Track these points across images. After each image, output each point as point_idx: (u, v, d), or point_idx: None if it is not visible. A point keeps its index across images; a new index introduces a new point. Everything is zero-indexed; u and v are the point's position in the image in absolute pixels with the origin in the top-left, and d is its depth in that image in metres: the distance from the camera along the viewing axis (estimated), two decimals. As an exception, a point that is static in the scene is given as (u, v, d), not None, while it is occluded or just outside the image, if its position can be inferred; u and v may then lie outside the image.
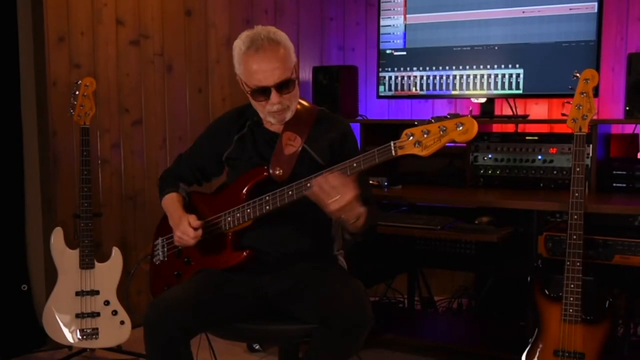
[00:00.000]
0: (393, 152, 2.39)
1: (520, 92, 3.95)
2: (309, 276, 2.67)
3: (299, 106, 2.77)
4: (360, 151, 2.61)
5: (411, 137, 2.37)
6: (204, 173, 2.99)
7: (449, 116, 2.36)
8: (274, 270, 2.72)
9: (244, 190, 2.70)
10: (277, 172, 2.70)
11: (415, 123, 2.39)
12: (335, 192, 2.40)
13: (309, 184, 2.50)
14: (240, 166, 2.80)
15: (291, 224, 2.69)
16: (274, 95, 2.61)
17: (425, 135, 2.36)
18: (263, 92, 2.62)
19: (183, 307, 2.53)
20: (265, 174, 2.70)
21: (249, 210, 2.66)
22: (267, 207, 2.61)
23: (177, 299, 2.56)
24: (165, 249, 2.90)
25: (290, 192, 2.55)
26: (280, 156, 2.72)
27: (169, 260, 2.88)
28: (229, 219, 2.70)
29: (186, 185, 2.98)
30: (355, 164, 2.45)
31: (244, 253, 2.69)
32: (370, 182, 3.66)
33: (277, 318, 2.68)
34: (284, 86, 2.62)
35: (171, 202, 2.87)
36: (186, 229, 2.67)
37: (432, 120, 2.37)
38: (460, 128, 2.33)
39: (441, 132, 2.35)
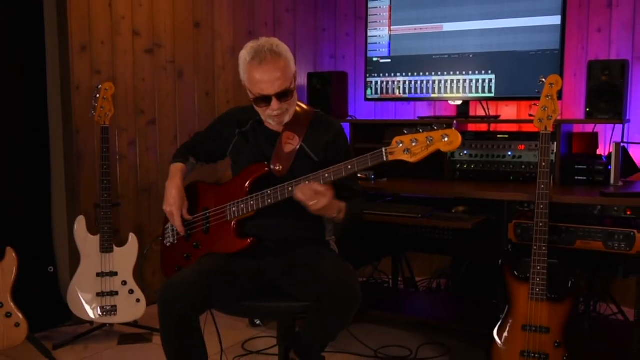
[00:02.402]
0: (384, 157, 2.40)
1: (493, 95, 3.94)
2: (305, 259, 2.66)
3: (297, 108, 2.76)
4: (351, 150, 2.61)
5: (401, 145, 2.37)
6: (211, 155, 2.97)
7: (435, 127, 2.36)
8: (274, 255, 2.71)
9: (247, 184, 2.68)
10: (277, 168, 2.69)
11: (405, 131, 2.39)
12: (314, 197, 2.45)
13: (290, 188, 2.53)
14: (242, 160, 2.78)
15: (288, 214, 2.67)
16: (274, 103, 2.60)
17: (413, 144, 2.35)
18: (264, 100, 2.60)
19: (193, 288, 2.51)
20: (266, 169, 2.69)
21: (252, 202, 2.64)
22: (269, 200, 2.60)
23: (188, 280, 2.54)
24: (175, 233, 2.87)
25: (290, 188, 2.55)
26: (280, 153, 2.71)
27: (179, 242, 2.86)
28: (234, 209, 2.69)
29: (195, 160, 2.97)
30: (350, 166, 2.46)
31: (248, 240, 2.67)
32: (359, 175, 3.66)
33: (277, 296, 2.67)
34: (283, 95, 2.61)
35: (175, 170, 2.86)
36: (176, 213, 2.75)
37: (420, 130, 2.37)
38: (446, 139, 2.33)
39: (428, 142, 2.35)
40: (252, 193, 2.66)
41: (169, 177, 2.85)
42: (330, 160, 2.64)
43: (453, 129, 2.34)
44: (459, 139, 2.32)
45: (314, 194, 2.45)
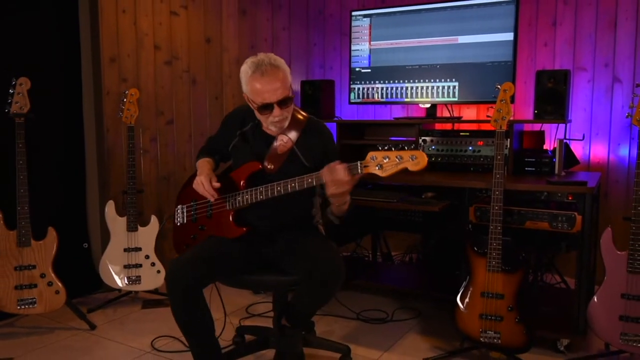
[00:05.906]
0: (359, 170, 2.29)
1: (456, 99, 3.88)
2: (296, 242, 2.60)
3: (296, 114, 2.67)
4: (338, 153, 2.55)
5: (374, 159, 2.27)
6: (222, 154, 2.87)
7: (406, 147, 2.27)
8: (269, 239, 2.65)
9: (242, 180, 2.62)
10: (269, 167, 2.61)
11: (379, 147, 2.32)
12: (338, 181, 2.33)
13: (279, 188, 2.45)
14: (240, 157, 2.70)
15: (281, 205, 2.60)
16: (276, 110, 2.49)
17: (385, 160, 2.25)
18: (267, 107, 2.49)
19: (196, 265, 2.45)
20: (259, 167, 2.62)
21: (247, 197, 2.57)
22: (261, 197, 2.53)
23: (192, 258, 2.47)
24: (185, 214, 2.81)
25: (279, 188, 2.47)
26: (273, 153, 2.62)
27: (187, 223, 2.79)
28: (232, 200, 2.62)
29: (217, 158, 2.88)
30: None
31: (244, 229, 2.61)
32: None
33: (272, 271, 2.62)
34: (284, 102, 2.50)
35: (203, 162, 2.74)
36: (205, 181, 2.55)
37: (392, 149, 2.30)
38: (414, 160, 2.22)
39: (397, 160, 2.23)
40: (249, 186, 2.59)
41: (198, 169, 2.71)
42: (320, 165, 2.57)
43: (420, 150, 2.24)
44: (424, 160, 2.21)
45: (339, 178, 2.32)
